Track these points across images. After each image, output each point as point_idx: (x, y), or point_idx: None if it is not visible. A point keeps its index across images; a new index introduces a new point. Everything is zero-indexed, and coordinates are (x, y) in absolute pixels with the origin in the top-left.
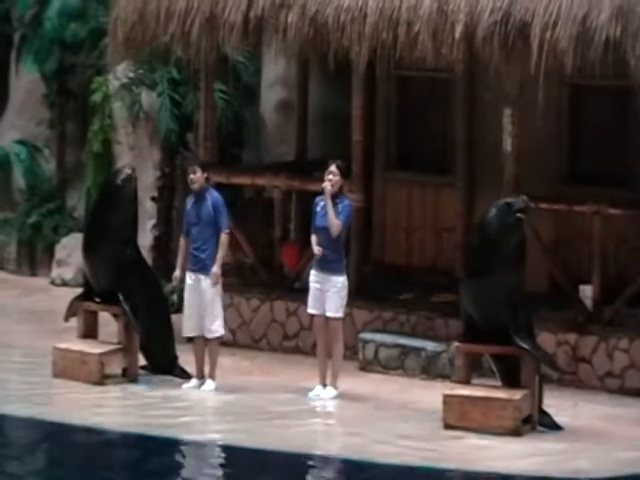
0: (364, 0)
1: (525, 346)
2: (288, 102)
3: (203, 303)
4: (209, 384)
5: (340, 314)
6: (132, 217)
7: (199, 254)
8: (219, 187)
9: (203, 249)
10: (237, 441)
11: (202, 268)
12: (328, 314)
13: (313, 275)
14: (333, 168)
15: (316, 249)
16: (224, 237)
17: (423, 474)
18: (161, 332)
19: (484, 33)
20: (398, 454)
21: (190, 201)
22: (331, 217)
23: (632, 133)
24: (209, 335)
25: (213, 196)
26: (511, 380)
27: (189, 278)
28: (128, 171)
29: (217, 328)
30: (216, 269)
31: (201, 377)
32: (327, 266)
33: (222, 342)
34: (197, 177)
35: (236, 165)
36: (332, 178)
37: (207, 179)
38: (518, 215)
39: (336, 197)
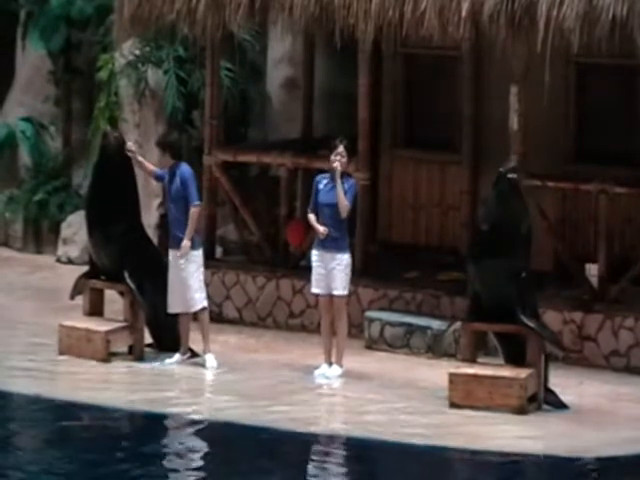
0: None
1: (531, 324)
2: (294, 80)
3: (181, 279)
4: (210, 360)
5: (346, 292)
6: (125, 173)
7: (174, 230)
8: (227, 165)
9: (177, 225)
10: (242, 419)
11: (177, 244)
12: (334, 292)
13: (315, 255)
14: (341, 149)
15: (321, 229)
16: (193, 210)
17: (428, 452)
18: (166, 310)
19: (490, 11)
20: (403, 432)
21: (166, 176)
22: (342, 199)
23: (638, 111)
24: (191, 309)
25: (181, 171)
26: (516, 359)
27: (170, 255)
28: (108, 132)
29: (198, 300)
30: (185, 242)
31: (185, 352)
32: (332, 244)
33: (227, 320)
34: (160, 157)
35: (242, 143)
36: (341, 159)
37: (174, 156)
38: (509, 175)
39: (341, 177)
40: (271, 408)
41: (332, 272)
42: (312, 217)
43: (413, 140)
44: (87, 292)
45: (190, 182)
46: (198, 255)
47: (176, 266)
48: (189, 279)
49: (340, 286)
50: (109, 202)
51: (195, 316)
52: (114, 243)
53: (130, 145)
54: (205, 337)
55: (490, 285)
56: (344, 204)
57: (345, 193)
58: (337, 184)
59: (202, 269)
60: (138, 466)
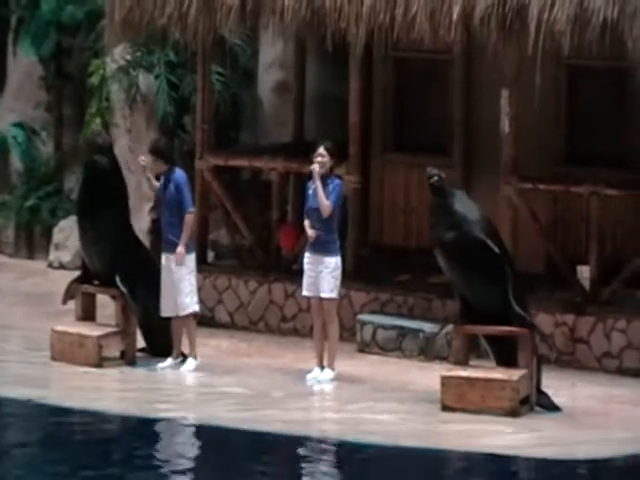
0: None
1: (525, 315)
2: (285, 84)
3: (173, 282)
4: (189, 363)
5: (334, 295)
6: (113, 169)
7: (167, 234)
8: (219, 169)
9: (170, 229)
10: (234, 423)
11: (169, 248)
12: (322, 295)
13: (307, 257)
14: (321, 150)
15: (310, 232)
16: (187, 217)
17: (421, 455)
18: (159, 314)
19: (481, 14)
20: (396, 435)
21: (161, 182)
22: (321, 198)
23: (629, 114)
24: (181, 312)
25: (176, 176)
26: (507, 362)
27: (163, 258)
28: (94, 131)
29: (187, 305)
30: (180, 249)
31: (177, 357)
32: (320, 247)
33: (219, 324)
34: (149, 163)
35: (233, 147)
36: (320, 160)
37: (167, 162)
38: (430, 181)
39: (326, 178)
40: (263, 412)
41: (320, 275)
42: (306, 222)
43: (404, 144)
44: (79, 297)
45: (184, 188)
46: (190, 259)
47: (168, 270)
48: (180, 283)
49: (328, 289)
50: (99, 204)
51: (184, 320)
52: (105, 247)
53: (142, 159)
54: (190, 341)
55: (472, 290)
56: (324, 202)
57: (329, 193)
58: (316, 185)
59: (194, 273)
60: (130, 471)
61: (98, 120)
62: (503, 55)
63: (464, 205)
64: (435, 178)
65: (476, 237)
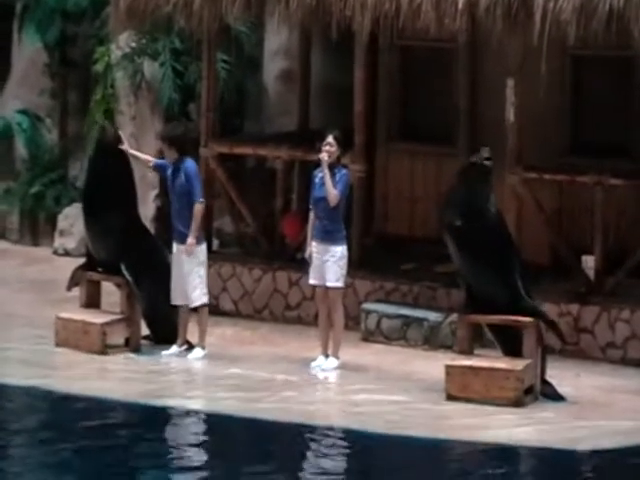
0: None
1: (536, 305)
2: (290, 72)
3: (182, 273)
4: (197, 352)
5: (340, 284)
6: (122, 166)
7: (177, 224)
8: (224, 157)
9: (180, 219)
10: (239, 411)
11: (179, 238)
12: (328, 284)
13: (314, 246)
14: (330, 139)
15: (307, 252)
16: (197, 207)
17: (425, 445)
18: (164, 302)
19: (487, 3)
20: (400, 424)
21: (169, 170)
22: (329, 187)
23: (634, 104)
24: (190, 305)
25: (186, 166)
26: (513, 351)
27: (174, 248)
28: (107, 126)
29: (196, 297)
30: (190, 240)
31: (182, 344)
32: (326, 236)
33: (224, 312)
34: (165, 151)
35: (238, 135)
36: (329, 149)
37: (180, 151)
38: (485, 162)
39: (334, 167)
40: (267, 400)
41: (326, 264)
42: (311, 217)
43: (409, 132)
44: (84, 284)
45: (194, 179)
46: (201, 251)
47: (179, 260)
48: (189, 275)
49: (333, 278)
50: (106, 195)
51: (195, 309)
52: (111, 236)
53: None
54: (200, 332)
55: (478, 278)
56: (331, 191)
57: (336, 183)
58: (324, 173)
59: (205, 265)
60: (134, 458)
61: (103, 107)
62: (508, 44)
63: (488, 197)
64: (491, 161)
65: (487, 226)
